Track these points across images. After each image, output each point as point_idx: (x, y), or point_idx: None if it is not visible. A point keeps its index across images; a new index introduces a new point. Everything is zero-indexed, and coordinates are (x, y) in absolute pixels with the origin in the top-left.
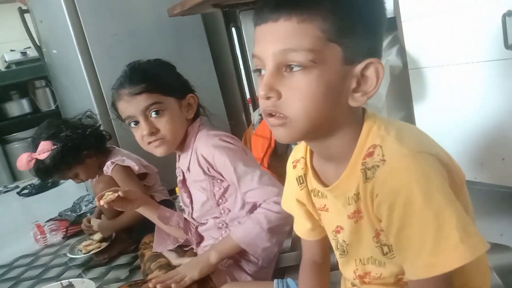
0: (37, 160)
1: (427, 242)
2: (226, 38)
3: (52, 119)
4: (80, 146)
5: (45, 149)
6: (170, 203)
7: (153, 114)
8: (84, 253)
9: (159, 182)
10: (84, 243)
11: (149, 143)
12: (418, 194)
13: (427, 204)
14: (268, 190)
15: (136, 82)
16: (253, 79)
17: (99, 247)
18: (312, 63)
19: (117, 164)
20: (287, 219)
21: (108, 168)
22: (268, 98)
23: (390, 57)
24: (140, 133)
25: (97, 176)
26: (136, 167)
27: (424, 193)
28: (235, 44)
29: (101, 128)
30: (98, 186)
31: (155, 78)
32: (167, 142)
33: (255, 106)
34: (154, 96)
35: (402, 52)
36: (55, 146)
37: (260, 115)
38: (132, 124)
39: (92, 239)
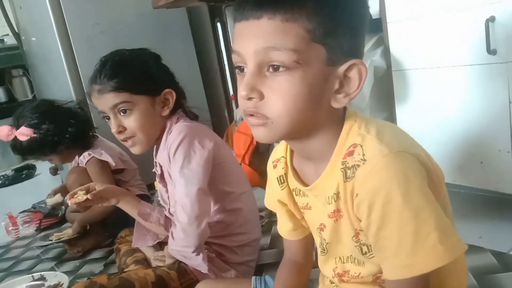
0: (16, 138)
1: (406, 242)
2: (211, 33)
3: (45, 101)
4: (59, 142)
5: (25, 133)
6: (146, 197)
7: (121, 113)
8: (56, 241)
9: (137, 177)
10: (56, 234)
11: (123, 141)
12: (398, 194)
13: (406, 204)
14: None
15: (105, 80)
16: (237, 75)
17: (70, 236)
18: (295, 64)
19: (93, 156)
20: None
21: (84, 158)
22: (249, 98)
23: (374, 58)
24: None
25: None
26: (113, 163)
27: (404, 193)
28: (219, 40)
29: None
30: (70, 177)
31: (125, 76)
32: (139, 141)
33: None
34: (122, 95)
35: (386, 54)
36: (35, 135)
37: None
38: (106, 119)
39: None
